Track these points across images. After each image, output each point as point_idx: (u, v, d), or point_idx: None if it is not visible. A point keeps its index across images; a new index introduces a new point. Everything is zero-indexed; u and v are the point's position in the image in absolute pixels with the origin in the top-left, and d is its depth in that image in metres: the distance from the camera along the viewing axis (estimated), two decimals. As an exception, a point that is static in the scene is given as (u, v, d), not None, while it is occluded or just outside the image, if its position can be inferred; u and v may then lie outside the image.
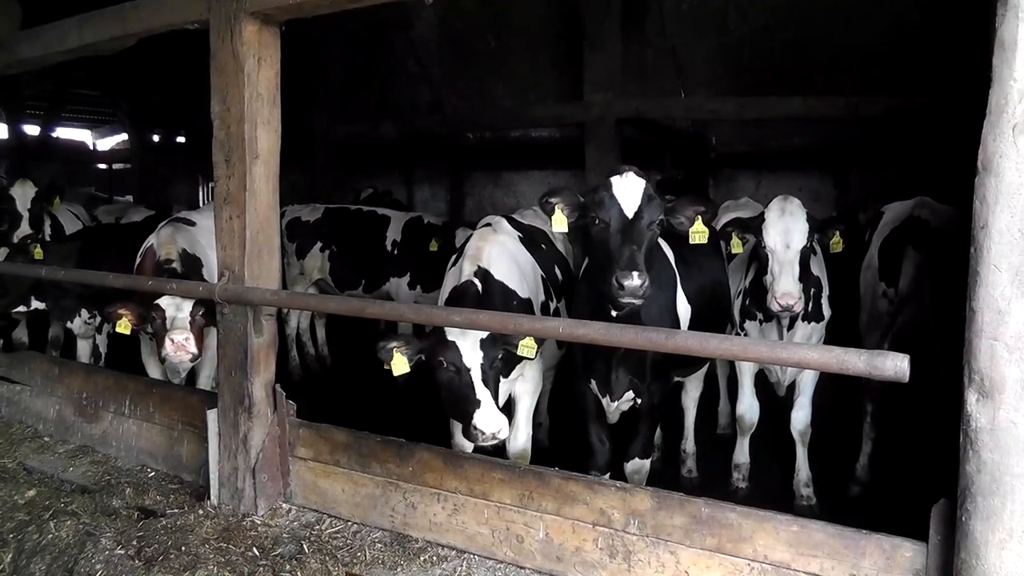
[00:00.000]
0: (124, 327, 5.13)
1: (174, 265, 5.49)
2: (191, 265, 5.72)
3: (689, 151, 11.41)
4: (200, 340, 5.15)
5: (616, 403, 4.53)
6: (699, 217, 4.02)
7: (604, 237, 3.77)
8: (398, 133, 11.89)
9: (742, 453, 5.47)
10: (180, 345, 4.92)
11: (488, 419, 3.76)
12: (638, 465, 4.65)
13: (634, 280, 3.48)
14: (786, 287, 4.47)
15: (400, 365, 3.99)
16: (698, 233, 4.05)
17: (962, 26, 7.12)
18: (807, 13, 9.17)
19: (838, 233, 4.86)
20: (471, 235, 4.74)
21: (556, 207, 3.97)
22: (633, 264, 3.55)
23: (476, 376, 3.82)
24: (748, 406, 5.37)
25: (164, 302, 5.08)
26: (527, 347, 3.96)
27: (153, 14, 4.94)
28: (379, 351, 3.99)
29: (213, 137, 4.60)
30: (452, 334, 3.88)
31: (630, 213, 3.75)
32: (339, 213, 8.75)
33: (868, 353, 2.69)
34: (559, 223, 3.98)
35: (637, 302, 3.60)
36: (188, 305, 5.10)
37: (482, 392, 3.81)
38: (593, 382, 4.57)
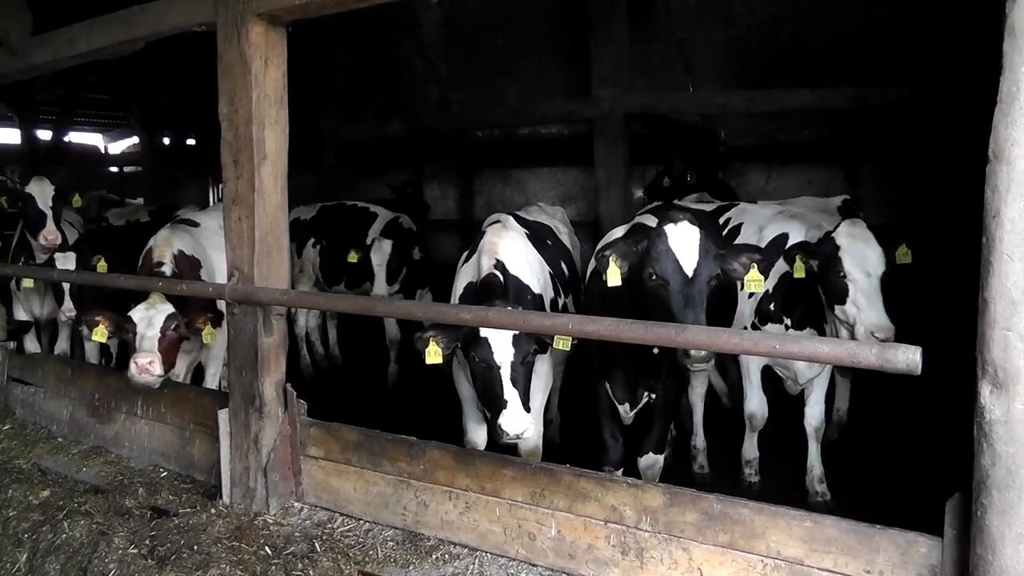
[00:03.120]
0: (100, 335, 5.10)
1: (164, 268, 5.52)
2: (188, 266, 5.74)
3: (698, 146, 11.35)
4: (173, 354, 5.13)
5: (634, 409, 4.52)
6: (754, 265, 3.89)
7: (663, 295, 3.66)
8: (406, 132, 11.89)
9: (751, 448, 5.43)
10: (144, 368, 4.85)
11: (514, 420, 3.71)
12: (652, 460, 4.64)
13: (702, 351, 3.41)
14: (879, 319, 4.18)
15: (434, 355, 3.96)
16: (753, 281, 3.91)
17: (972, 13, 7.06)
18: (813, 4, 9.10)
19: (904, 244, 4.59)
20: (483, 231, 4.75)
21: (610, 260, 3.85)
22: None
23: (505, 374, 3.78)
24: (758, 404, 5.28)
25: (136, 316, 5.02)
26: (563, 338, 3.90)
27: (160, 17, 4.97)
28: (416, 341, 3.98)
29: (221, 138, 4.62)
30: (484, 330, 3.81)
31: (689, 271, 3.65)
32: (331, 209, 8.89)
33: (879, 346, 2.67)
34: (613, 276, 3.86)
35: (704, 366, 3.55)
36: (160, 319, 5.01)
37: (510, 392, 3.76)
38: (609, 387, 4.54)
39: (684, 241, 3.69)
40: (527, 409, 3.81)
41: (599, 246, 4.66)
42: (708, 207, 6.33)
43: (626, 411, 4.58)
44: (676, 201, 6.83)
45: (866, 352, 2.68)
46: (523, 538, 3.86)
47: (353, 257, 7.80)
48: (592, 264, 4.77)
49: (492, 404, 3.83)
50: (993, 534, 2.68)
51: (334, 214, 8.83)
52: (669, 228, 3.73)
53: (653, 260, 3.70)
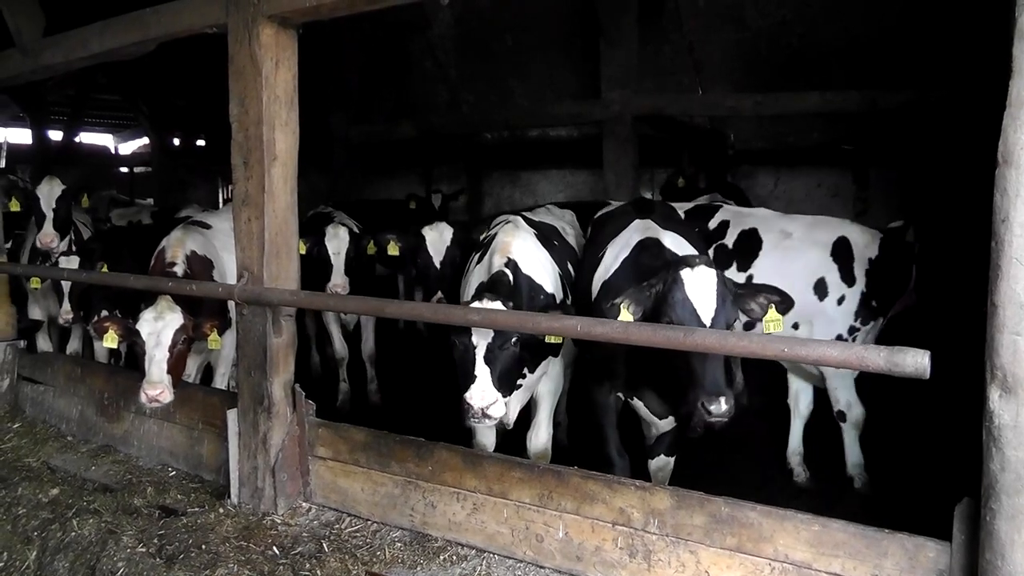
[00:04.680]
0: (111, 340, 5.06)
1: (176, 268, 5.53)
2: (200, 266, 5.77)
3: (707, 148, 11.35)
4: (182, 365, 5.11)
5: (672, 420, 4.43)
6: (772, 306, 3.74)
7: None
8: (416, 133, 11.92)
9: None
10: (154, 399, 4.76)
11: (478, 393, 3.70)
12: (664, 462, 4.58)
13: (722, 406, 3.32)
14: None
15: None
16: (772, 322, 3.77)
17: (981, 16, 7.04)
18: (823, 7, 9.09)
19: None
20: (495, 232, 4.75)
21: (621, 307, 3.69)
22: (719, 388, 3.35)
23: (479, 353, 3.79)
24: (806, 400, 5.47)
25: (145, 330, 4.87)
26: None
27: (172, 19, 4.99)
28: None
29: (231, 139, 4.64)
30: None
31: (707, 319, 3.51)
32: (314, 215, 8.61)
33: (888, 349, 2.65)
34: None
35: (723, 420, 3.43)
36: (169, 334, 4.86)
37: (480, 368, 3.76)
38: (639, 401, 4.43)
39: (701, 287, 3.56)
40: (503, 393, 3.79)
41: (602, 275, 4.51)
42: (685, 206, 6.18)
43: (669, 423, 4.45)
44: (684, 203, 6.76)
45: (875, 356, 2.68)
46: (531, 540, 3.87)
47: (301, 248, 6.79)
48: (607, 256, 4.63)
49: (464, 384, 3.82)
50: (1002, 539, 2.67)
51: (313, 218, 8.41)
52: (685, 273, 3.60)
53: (670, 308, 3.56)
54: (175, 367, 4.94)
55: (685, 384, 3.51)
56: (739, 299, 3.71)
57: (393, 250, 6.36)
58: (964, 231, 5.29)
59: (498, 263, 4.31)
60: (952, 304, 5.24)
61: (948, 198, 6.03)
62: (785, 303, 3.77)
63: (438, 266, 5.94)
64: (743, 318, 4.04)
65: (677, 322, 3.52)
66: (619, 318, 3.67)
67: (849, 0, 8.87)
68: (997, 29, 2.90)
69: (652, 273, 3.82)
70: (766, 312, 3.75)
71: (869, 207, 10.35)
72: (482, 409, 3.70)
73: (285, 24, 4.51)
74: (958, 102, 7.63)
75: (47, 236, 6.75)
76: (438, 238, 5.98)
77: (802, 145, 10.80)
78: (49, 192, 6.86)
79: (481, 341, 3.81)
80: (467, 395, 3.73)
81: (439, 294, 5.81)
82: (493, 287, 4.09)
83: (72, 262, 6.48)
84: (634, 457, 4.70)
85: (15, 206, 7.11)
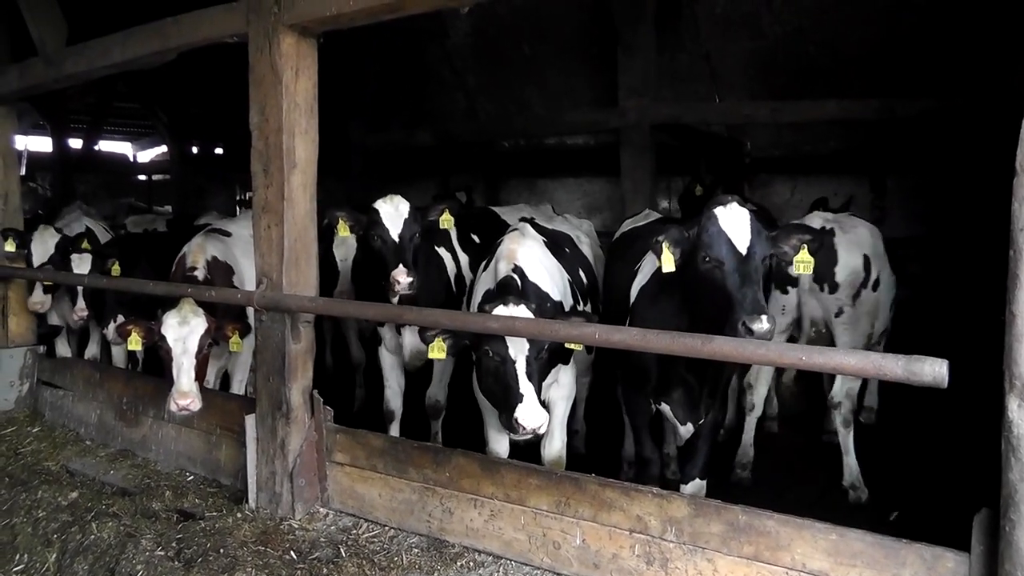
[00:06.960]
0: (135, 343, 5.05)
1: (196, 273, 5.57)
2: (220, 272, 5.82)
3: (724, 156, 11.34)
4: (205, 368, 5.12)
5: (695, 429, 4.42)
6: (804, 247, 3.82)
7: (717, 276, 3.61)
8: (433, 141, 11.98)
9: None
10: (184, 408, 4.79)
11: (530, 414, 3.72)
12: (699, 486, 4.45)
13: (764, 324, 3.36)
14: None
15: (438, 351, 4.02)
16: (803, 263, 3.84)
17: (999, 25, 7.01)
18: (840, 14, 9.08)
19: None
20: (501, 239, 4.76)
21: (664, 246, 3.78)
22: (760, 307, 3.43)
23: (520, 368, 3.78)
24: None
25: (170, 335, 4.86)
26: None
27: (193, 29, 5.04)
28: (420, 337, 4.00)
29: (251, 147, 4.68)
30: None
31: (743, 249, 3.60)
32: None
33: (906, 358, 2.65)
34: (668, 263, 3.80)
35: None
36: (195, 341, 4.86)
37: (526, 386, 3.76)
38: (666, 406, 4.41)
39: (735, 222, 3.64)
40: (542, 404, 3.80)
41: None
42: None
43: (688, 431, 4.44)
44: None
45: (892, 365, 2.67)
46: (548, 547, 3.87)
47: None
48: (645, 264, 4.62)
49: (506, 399, 3.82)
50: (1022, 550, 2.65)
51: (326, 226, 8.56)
52: (719, 210, 3.69)
53: (706, 244, 3.65)
54: (200, 370, 4.97)
55: (726, 309, 3.53)
56: (773, 240, 3.77)
57: (344, 230, 5.51)
58: (983, 239, 5.27)
59: (504, 270, 4.30)
60: (971, 313, 5.23)
61: (967, 206, 6.00)
62: (816, 241, 3.85)
63: (396, 238, 5.20)
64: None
65: (714, 257, 3.62)
66: (662, 256, 3.78)
67: (866, 8, 8.85)
68: (1015, 38, 2.90)
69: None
70: (798, 252, 3.83)
71: (886, 215, 10.31)
72: (534, 429, 3.73)
73: (305, 33, 4.56)
74: (976, 111, 7.60)
75: (36, 301, 6.72)
76: (393, 211, 5.30)
77: (819, 153, 10.78)
78: (43, 243, 6.79)
79: (519, 354, 3.79)
80: (518, 416, 3.72)
81: (400, 267, 5.06)
82: (504, 291, 4.08)
83: (84, 260, 6.55)
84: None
85: (10, 246, 6.85)
